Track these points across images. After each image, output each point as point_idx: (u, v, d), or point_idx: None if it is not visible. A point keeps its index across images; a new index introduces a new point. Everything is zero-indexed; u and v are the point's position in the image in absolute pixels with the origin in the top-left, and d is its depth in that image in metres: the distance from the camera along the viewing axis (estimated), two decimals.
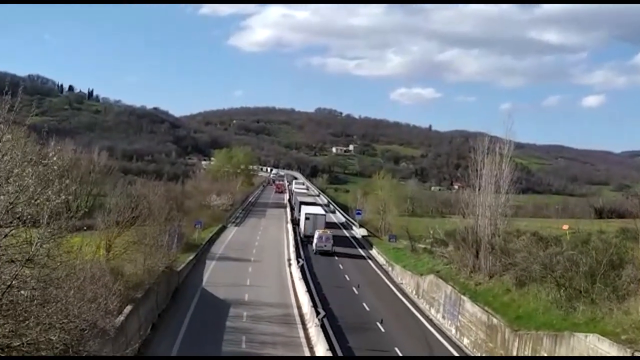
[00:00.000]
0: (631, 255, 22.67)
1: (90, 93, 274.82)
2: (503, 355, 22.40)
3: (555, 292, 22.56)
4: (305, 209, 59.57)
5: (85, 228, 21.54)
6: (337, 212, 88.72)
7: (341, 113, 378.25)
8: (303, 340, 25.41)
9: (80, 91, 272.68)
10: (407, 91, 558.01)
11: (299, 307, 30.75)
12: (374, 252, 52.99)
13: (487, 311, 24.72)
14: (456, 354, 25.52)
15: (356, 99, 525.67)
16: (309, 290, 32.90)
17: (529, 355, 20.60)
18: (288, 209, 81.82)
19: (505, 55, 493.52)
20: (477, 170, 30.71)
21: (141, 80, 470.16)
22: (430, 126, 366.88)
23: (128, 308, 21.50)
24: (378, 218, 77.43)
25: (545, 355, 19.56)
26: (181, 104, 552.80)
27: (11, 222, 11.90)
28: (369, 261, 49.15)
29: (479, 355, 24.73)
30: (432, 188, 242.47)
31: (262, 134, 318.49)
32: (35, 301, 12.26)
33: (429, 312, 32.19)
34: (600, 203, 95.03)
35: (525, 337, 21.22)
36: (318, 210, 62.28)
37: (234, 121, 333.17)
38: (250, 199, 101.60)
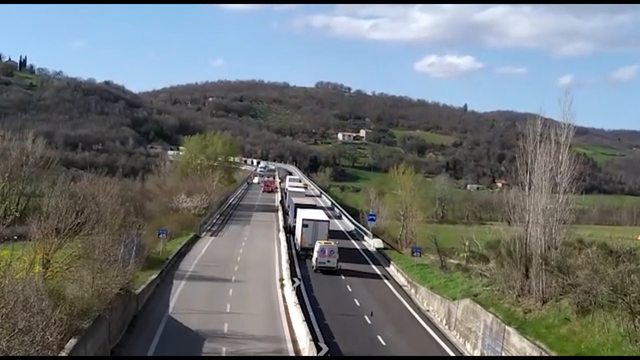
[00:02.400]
0: None
1: (23, 62, 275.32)
2: None
3: (628, 322, 22.56)
4: (303, 214, 59.63)
5: (15, 237, 21.60)
6: (343, 217, 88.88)
7: (349, 89, 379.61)
8: None
9: (10, 60, 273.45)
10: (437, 60, 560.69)
11: (294, 342, 30.79)
12: (391, 269, 53.10)
13: (539, 347, 24.77)
14: None
15: (370, 71, 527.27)
16: (307, 320, 32.94)
17: None
18: (280, 214, 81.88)
19: (566, 14, 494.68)
20: (526, 163, 30.67)
21: (89, 46, 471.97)
22: (465, 106, 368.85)
23: (72, 342, 21.52)
24: (397, 225, 77.58)
25: None
26: (141, 76, 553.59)
27: None
28: (386, 281, 49.24)
29: None
30: (468, 186, 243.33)
31: (246, 115, 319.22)
32: None
33: (464, 348, 32.26)
34: None
35: None
36: (319, 215, 62.36)
37: (210, 99, 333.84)
38: (230, 201, 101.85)
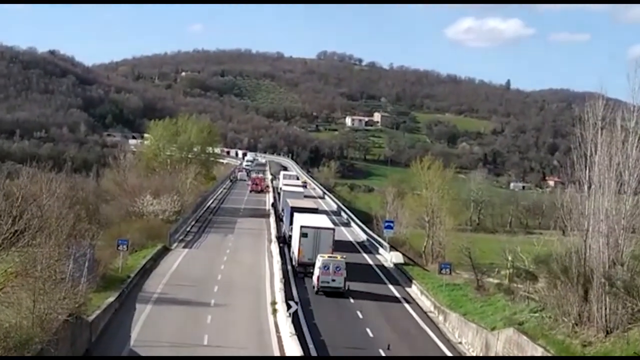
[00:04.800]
0: None
1: None
2: None
3: None
4: (301, 220, 59.67)
5: None
6: (353, 224, 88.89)
7: (360, 61, 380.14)
8: None
9: None
10: (475, 24, 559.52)
11: None
12: (414, 290, 53.21)
13: None
14: None
15: (387, 38, 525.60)
16: (306, 355, 32.91)
17: None
18: (272, 220, 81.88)
19: None
20: (585, 155, 30.63)
21: (29, 6, 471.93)
22: (508, 82, 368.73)
23: None
24: (422, 235, 77.62)
25: None
26: (95, 45, 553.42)
27: None
28: (407, 305, 49.33)
29: None
30: (512, 185, 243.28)
31: (229, 94, 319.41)
32: None
33: None
34: None
35: None
36: (322, 221, 62.36)
37: (184, 73, 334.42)
38: (209, 203, 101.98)
